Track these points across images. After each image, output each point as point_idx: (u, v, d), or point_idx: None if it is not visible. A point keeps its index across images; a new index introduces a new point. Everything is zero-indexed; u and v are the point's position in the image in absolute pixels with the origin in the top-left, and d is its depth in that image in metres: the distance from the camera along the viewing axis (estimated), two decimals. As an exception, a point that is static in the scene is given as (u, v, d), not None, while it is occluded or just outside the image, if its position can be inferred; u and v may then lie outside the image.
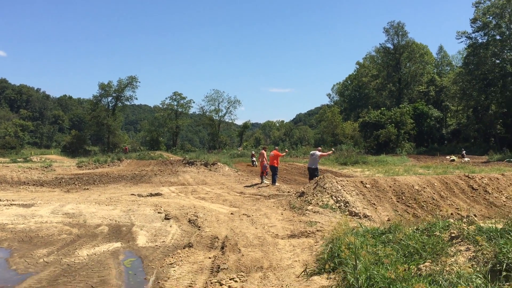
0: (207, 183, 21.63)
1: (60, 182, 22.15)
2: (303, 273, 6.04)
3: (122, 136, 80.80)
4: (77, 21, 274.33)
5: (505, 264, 3.79)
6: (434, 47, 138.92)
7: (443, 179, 12.61)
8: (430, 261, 4.58)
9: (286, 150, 33.32)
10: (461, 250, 4.63)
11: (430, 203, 10.88)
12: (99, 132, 76.47)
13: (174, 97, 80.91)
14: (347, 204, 10.85)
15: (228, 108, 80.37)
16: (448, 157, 45.68)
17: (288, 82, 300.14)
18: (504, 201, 11.00)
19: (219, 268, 6.59)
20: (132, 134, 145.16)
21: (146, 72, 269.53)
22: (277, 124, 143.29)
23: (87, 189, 19.49)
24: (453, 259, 4.44)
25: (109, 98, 76.24)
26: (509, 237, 4.25)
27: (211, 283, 5.80)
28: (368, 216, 10.11)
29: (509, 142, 54.84)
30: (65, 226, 10.48)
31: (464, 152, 48.44)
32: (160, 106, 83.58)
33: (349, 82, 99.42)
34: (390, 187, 11.87)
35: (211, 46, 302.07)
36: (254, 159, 34.65)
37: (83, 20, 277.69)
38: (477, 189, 11.96)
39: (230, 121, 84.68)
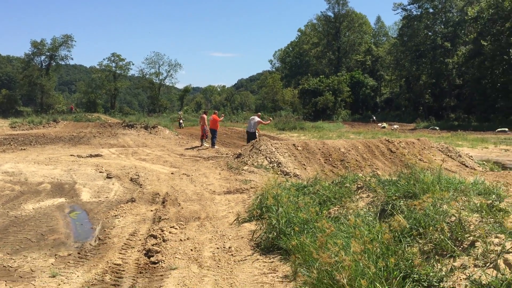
0: (147, 145, 21.98)
1: (-6, 142, 21.67)
2: (235, 221, 6.90)
3: (56, 97, 77.69)
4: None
5: (390, 205, 4.79)
6: (373, 17, 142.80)
7: (367, 143, 13.88)
8: (339, 206, 5.55)
9: (223, 115, 34.30)
10: (362, 197, 5.65)
11: (354, 164, 12.07)
12: (31, 92, 73.09)
13: (113, 58, 78.41)
14: (279, 165, 11.83)
15: (169, 71, 79.21)
16: (379, 124, 48.32)
17: (230, 47, 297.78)
18: (417, 162, 12.39)
19: (160, 218, 7.31)
20: (66, 95, 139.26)
21: (82, 31, 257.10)
22: (219, 89, 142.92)
23: (24, 149, 19.30)
24: (355, 204, 5.44)
25: (42, 57, 72.72)
26: (397, 186, 5.26)
27: (154, 230, 6.51)
28: (298, 175, 11.13)
29: (436, 111, 58.52)
30: (6, 183, 10.69)
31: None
32: (98, 67, 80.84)
33: (290, 49, 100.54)
34: (319, 149, 12.97)
35: (152, 7, 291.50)
36: (181, 121, 37.56)
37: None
38: (395, 152, 13.32)
39: (170, 84, 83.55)
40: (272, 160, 12.12)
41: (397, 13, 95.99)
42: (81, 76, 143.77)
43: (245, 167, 12.01)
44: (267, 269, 4.78)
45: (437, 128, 40.95)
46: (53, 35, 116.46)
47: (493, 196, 4.57)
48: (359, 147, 13.27)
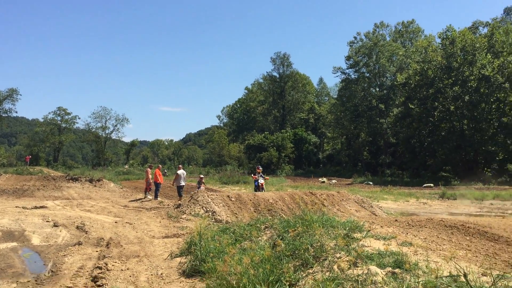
0: (92, 197, 22.82)
1: None
2: (168, 257, 8.31)
3: (-2, 149, 76.07)
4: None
5: (280, 236, 6.46)
6: (315, 78, 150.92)
7: (293, 194, 15.72)
8: (249, 241, 7.15)
9: (165, 171, 36.46)
10: (266, 233, 7.30)
11: (280, 212, 13.75)
12: (-30, 144, 71.32)
13: (58, 112, 78.43)
14: (214, 213, 13.35)
15: (115, 125, 79.77)
16: (320, 179, 50.95)
17: (179, 102, 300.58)
18: (335, 212, 14.30)
19: (104, 256, 8.58)
20: (6, 147, 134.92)
21: (25, 83, 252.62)
22: (166, 143, 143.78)
23: (-32, 201, 19.69)
24: (260, 238, 7.07)
25: (-16, 110, 71.66)
26: (289, 223, 6.95)
27: (99, 264, 7.79)
28: (229, 222, 12.66)
29: (373, 167, 62.28)
30: (-42, 231, 11.51)
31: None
32: (41, 120, 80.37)
33: (238, 105, 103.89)
34: (250, 200, 14.63)
35: (101, 61, 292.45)
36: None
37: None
38: (317, 203, 15.19)
39: (117, 138, 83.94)
40: (208, 209, 13.64)
41: (336, 76, 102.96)
42: (22, 129, 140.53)
43: (183, 216, 13.43)
44: (188, 286, 6.25)
45: (371, 183, 43.84)
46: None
47: (357, 229, 6.34)
48: (286, 198, 15.07)
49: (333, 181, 46.31)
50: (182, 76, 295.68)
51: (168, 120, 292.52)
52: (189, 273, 6.84)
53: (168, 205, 17.99)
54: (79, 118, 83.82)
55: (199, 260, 6.86)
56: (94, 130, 78.71)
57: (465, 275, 3.87)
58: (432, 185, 38.91)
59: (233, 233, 7.94)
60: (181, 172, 21.23)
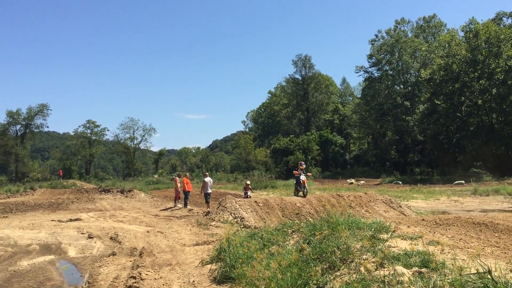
0: (124, 208, 23.33)
1: (-24, 211, 22.65)
2: (199, 264, 8.52)
3: (31, 165, 78.22)
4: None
5: (307, 240, 6.56)
6: (338, 79, 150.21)
7: (320, 197, 15.79)
8: (277, 245, 7.28)
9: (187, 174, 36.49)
10: (293, 237, 7.42)
11: (307, 216, 13.83)
12: (5, 161, 73.60)
13: (88, 125, 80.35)
14: (242, 219, 13.53)
15: (143, 135, 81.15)
16: (348, 180, 50.62)
17: (204, 109, 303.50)
18: (363, 213, 14.27)
19: (138, 266, 8.84)
20: (39, 162, 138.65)
21: (54, 97, 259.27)
22: (193, 151, 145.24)
23: (6, 217, 20.38)
24: (287, 242, 7.20)
25: (18, 126, 73.98)
26: (315, 227, 7.04)
27: (133, 273, 8.05)
28: (258, 227, 12.82)
29: (401, 166, 61.49)
30: (-2, 246, 12.01)
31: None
32: (72, 133, 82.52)
33: (262, 110, 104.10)
34: (278, 205, 14.77)
35: (126, 73, 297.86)
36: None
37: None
38: (344, 205, 15.18)
39: (145, 148, 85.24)
40: (236, 215, 13.83)
41: (359, 75, 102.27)
42: (54, 143, 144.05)
43: (213, 223, 13.65)
44: (220, 293, 6.42)
45: (400, 182, 43.32)
46: (29, 104, 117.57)
47: (383, 230, 6.41)
48: (313, 202, 15.14)
49: (361, 182, 45.95)
50: (206, 84, 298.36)
51: (194, 127, 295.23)
52: (220, 279, 7.01)
53: (197, 212, 18.26)
54: (108, 130, 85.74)
55: (228, 266, 7.02)
56: (123, 141, 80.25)
57: (489, 272, 3.92)
58: (463, 182, 38.20)
59: (261, 238, 8.09)
60: (208, 179, 21.51)
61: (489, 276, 3.92)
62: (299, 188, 18.83)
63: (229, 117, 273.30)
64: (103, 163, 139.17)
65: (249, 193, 22.72)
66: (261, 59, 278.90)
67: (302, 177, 19.11)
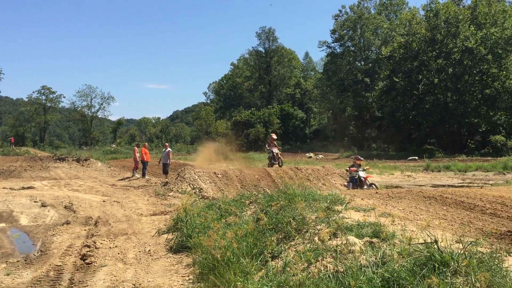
0: (79, 177, 22.85)
1: None
2: (156, 234, 8.49)
3: (-19, 130, 75.19)
4: None
5: (265, 211, 6.66)
6: (301, 53, 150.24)
7: (278, 170, 15.98)
8: (234, 216, 7.34)
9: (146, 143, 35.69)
10: (251, 208, 7.49)
11: (266, 188, 13.98)
12: (-48, 125, 70.36)
13: (43, 91, 77.43)
14: (201, 190, 13.55)
15: (101, 104, 79.10)
16: (307, 154, 51.34)
17: (165, 79, 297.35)
18: (320, 186, 14.58)
19: (93, 235, 8.73)
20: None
21: (8, 62, 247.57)
22: (153, 121, 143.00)
23: (-46, 184, 19.61)
24: (244, 213, 7.27)
25: (-33, 90, 70.50)
26: (272, 198, 7.14)
27: (87, 242, 7.94)
28: (216, 198, 12.87)
29: (359, 141, 62.83)
30: None
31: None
32: (26, 99, 79.38)
33: (224, 81, 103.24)
34: (237, 176, 14.84)
35: (84, 38, 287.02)
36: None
37: None
38: (302, 178, 15.46)
39: (103, 117, 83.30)
40: (195, 186, 13.81)
41: (322, 50, 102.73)
42: (6, 109, 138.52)
43: (171, 193, 13.59)
44: (176, 262, 6.45)
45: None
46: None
47: (338, 202, 6.56)
48: (272, 174, 15.30)
49: (320, 156, 46.72)
50: (167, 53, 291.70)
51: (155, 97, 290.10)
52: (176, 249, 7.03)
53: (155, 183, 18.13)
54: (64, 97, 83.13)
55: (185, 236, 7.04)
56: (79, 109, 78.03)
57: (436, 242, 4.09)
58: (416, 158, 39.44)
59: (219, 209, 8.13)
60: (167, 150, 21.30)
61: (435, 246, 4.09)
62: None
63: (191, 88, 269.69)
64: (58, 131, 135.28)
65: (274, 150, 19.20)
66: (225, 30, 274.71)
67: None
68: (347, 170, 15.86)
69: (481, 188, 12.89)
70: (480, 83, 45.64)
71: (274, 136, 19.06)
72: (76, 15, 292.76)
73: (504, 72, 43.58)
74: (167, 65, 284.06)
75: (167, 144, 23.51)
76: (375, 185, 14.99)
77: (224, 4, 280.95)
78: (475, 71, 45.12)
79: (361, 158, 16.43)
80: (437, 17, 45.93)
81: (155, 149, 55.26)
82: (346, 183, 15.59)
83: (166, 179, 15.99)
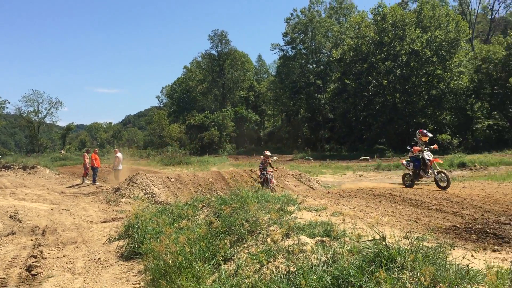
0: (26, 185, 21.93)
1: None
2: (106, 241, 8.25)
3: None
4: None
5: (218, 214, 6.62)
6: (254, 56, 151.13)
7: (233, 173, 15.96)
8: (187, 220, 7.24)
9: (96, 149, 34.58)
10: (204, 211, 7.43)
11: (220, 191, 13.92)
12: None
13: (-15, 96, 73.95)
14: (154, 195, 13.31)
15: (49, 109, 76.47)
16: (261, 156, 51.53)
17: (116, 83, 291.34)
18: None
19: (40, 245, 8.38)
20: None
21: None
22: (105, 126, 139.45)
23: None
24: (197, 217, 7.19)
25: None
26: (225, 201, 7.12)
27: (34, 253, 7.62)
28: (169, 203, 12.69)
29: (313, 142, 63.85)
30: None
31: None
32: (-33, 106, 75.54)
33: (177, 85, 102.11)
34: (191, 180, 14.70)
35: (29, 40, 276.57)
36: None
37: None
38: (256, 179, 15.54)
39: (51, 122, 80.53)
40: (148, 191, 13.56)
41: (275, 53, 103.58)
42: None
43: (123, 199, 13.28)
44: (127, 269, 6.29)
45: (311, 158, 44.95)
46: None
47: (291, 203, 6.60)
48: (226, 177, 15.25)
49: (275, 158, 46.48)
50: (118, 56, 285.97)
51: (106, 102, 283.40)
52: (128, 255, 6.86)
53: (106, 189, 17.66)
54: (9, 103, 79.59)
55: (137, 242, 6.89)
56: (26, 115, 75.07)
57: (383, 238, 4.18)
58: (368, 157, 40.48)
59: (171, 214, 8.00)
60: (119, 155, 20.85)
61: (383, 243, 4.18)
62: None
63: (143, 92, 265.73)
64: (4, 138, 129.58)
65: (268, 172, 14.81)
66: (177, 33, 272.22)
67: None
68: (409, 149, 13.02)
69: (428, 185, 13.38)
70: (427, 84, 47.50)
71: (268, 153, 15.55)
72: (18, 15, 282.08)
73: (448, 74, 45.55)
74: (118, 69, 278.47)
75: (116, 149, 23.02)
76: (445, 174, 11.76)
77: (176, 7, 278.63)
78: (421, 73, 46.91)
79: (429, 134, 12.80)
80: (385, 20, 47.43)
81: (107, 154, 53.87)
82: (404, 162, 13.48)
83: (118, 185, 15.62)
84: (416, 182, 12.96)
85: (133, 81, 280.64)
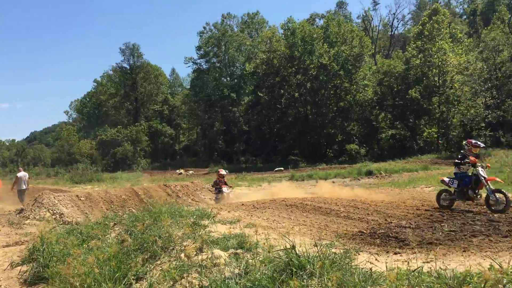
0: None
1: None
2: (8, 267, 7.68)
3: None
4: None
5: (130, 232, 6.47)
6: (168, 69, 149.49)
7: (147, 188, 15.62)
8: (97, 240, 6.96)
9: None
10: (115, 230, 7.20)
11: (133, 208, 13.55)
12: None
13: None
14: (62, 215, 12.62)
15: None
16: (178, 170, 50.93)
17: (19, 97, 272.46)
18: (189, 202, 14.57)
19: None
20: None
21: None
22: (7, 143, 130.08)
23: None
24: (108, 236, 6.95)
25: None
26: (138, 218, 6.97)
27: None
28: (78, 223, 12.11)
29: (229, 155, 64.20)
30: None
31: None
32: None
33: (87, 99, 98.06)
34: (102, 198, 14.15)
35: None
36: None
37: None
38: (171, 194, 15.35)
39: None
40: (55, 211, 12.83)
41: (188, 66, 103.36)
42: None
43: (27, 221, 12.45)
44: (31, 296, 5.89)
45: (227, 171, 45.03)
46: None
47: (205, 216, 6.59)
48: (140, 193, 14.88)
49: (191, 172, 46.72)
50: (21, 69, 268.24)
51: (7, 118, 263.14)
52: (32, 281, 6.44)
53: (9, 211, 16.44)
54: None
55: (42, 266, 6.49)
56: None
57: (293, 247, 4.32)
58: (282, 168, 41.42)
59: (81, 234, 7.65)
60: (21, 174, 19.53)
61: (293, 251, 4.33)
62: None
63: (50, 107, 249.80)
64: None
65: (224, 189, 14.86)
66: (86, 46, 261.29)
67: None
68: (456, 164, 10.30)
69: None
70: (335, 96, 49.88)
71: (223, 172, 15.41)
72: None
73: (354, 86, 48.27)
74: (22, 82, 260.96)
75: (20, 168, 21.60)
76: (504, 194, 8.99)
77: (85, 19, 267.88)
78: (330, 86, 49.21)
79: (481, 144, 10.42)
80: (294, 35, 49.24)
81: (9, 174, 50.27)
82: (446, 179, 10.32)
83: (22, 207, 14.61)
84: (461, 202, 10.13)
85: (39, 96, 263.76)
